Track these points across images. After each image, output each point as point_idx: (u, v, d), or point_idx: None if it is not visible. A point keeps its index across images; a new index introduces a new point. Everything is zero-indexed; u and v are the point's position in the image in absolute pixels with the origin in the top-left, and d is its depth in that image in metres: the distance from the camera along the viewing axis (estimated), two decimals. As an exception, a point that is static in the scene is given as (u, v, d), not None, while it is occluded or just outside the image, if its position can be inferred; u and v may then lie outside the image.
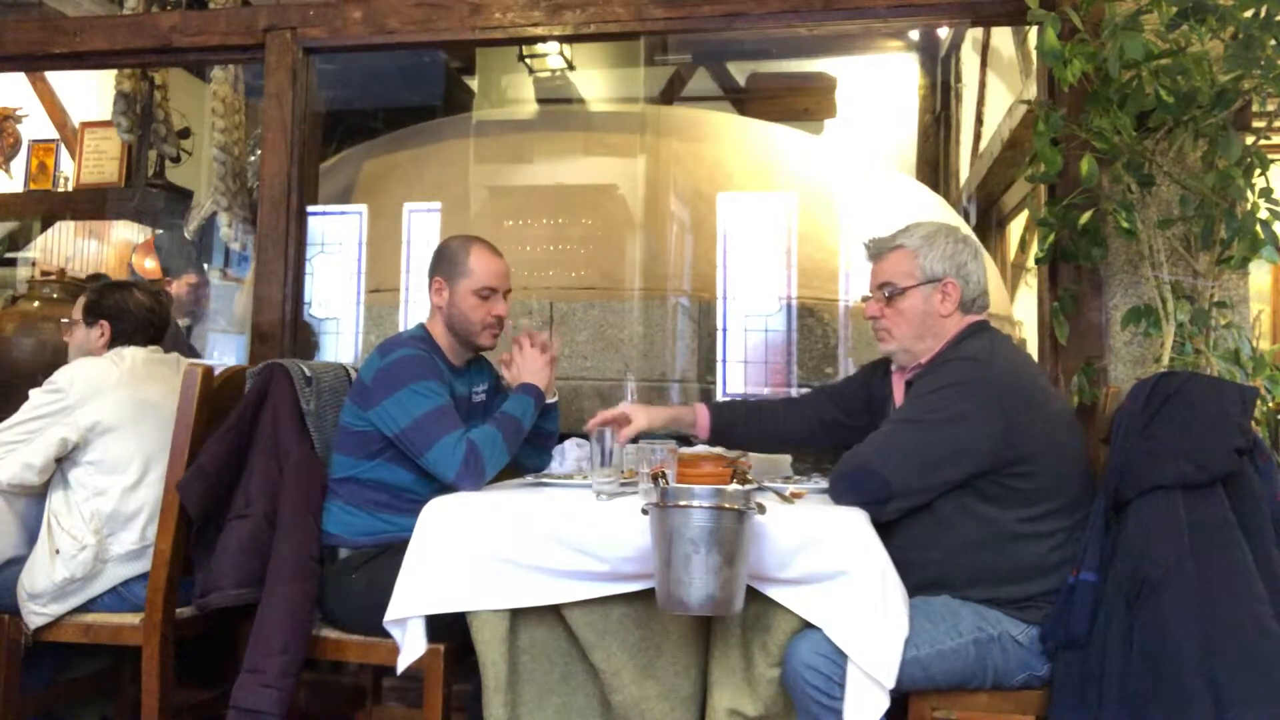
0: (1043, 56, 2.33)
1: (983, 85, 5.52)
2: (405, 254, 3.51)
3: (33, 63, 3.44)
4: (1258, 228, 2.17)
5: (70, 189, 5.21)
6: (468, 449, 2.04)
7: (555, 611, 1.83)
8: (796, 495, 1.99)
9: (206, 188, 3.92)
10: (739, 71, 6.24)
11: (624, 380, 2.43)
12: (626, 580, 1.78)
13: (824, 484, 2.05)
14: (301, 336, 3.06)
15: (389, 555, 2.04)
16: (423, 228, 3.52)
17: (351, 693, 2.76)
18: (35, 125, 5.56)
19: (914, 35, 5.96)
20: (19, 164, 5.48)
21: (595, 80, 5.18)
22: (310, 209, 3.15)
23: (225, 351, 4.01)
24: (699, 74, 6.23)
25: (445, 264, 2.31)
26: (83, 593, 2.26)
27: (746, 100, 6.01)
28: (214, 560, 2.16)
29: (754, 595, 1.71)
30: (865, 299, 2.14)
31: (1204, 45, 2.19)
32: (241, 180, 3.80)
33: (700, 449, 2.36)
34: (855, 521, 1.76)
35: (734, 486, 1.73)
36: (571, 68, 4.94)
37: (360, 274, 3.60)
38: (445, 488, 2.05)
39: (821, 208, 3.56)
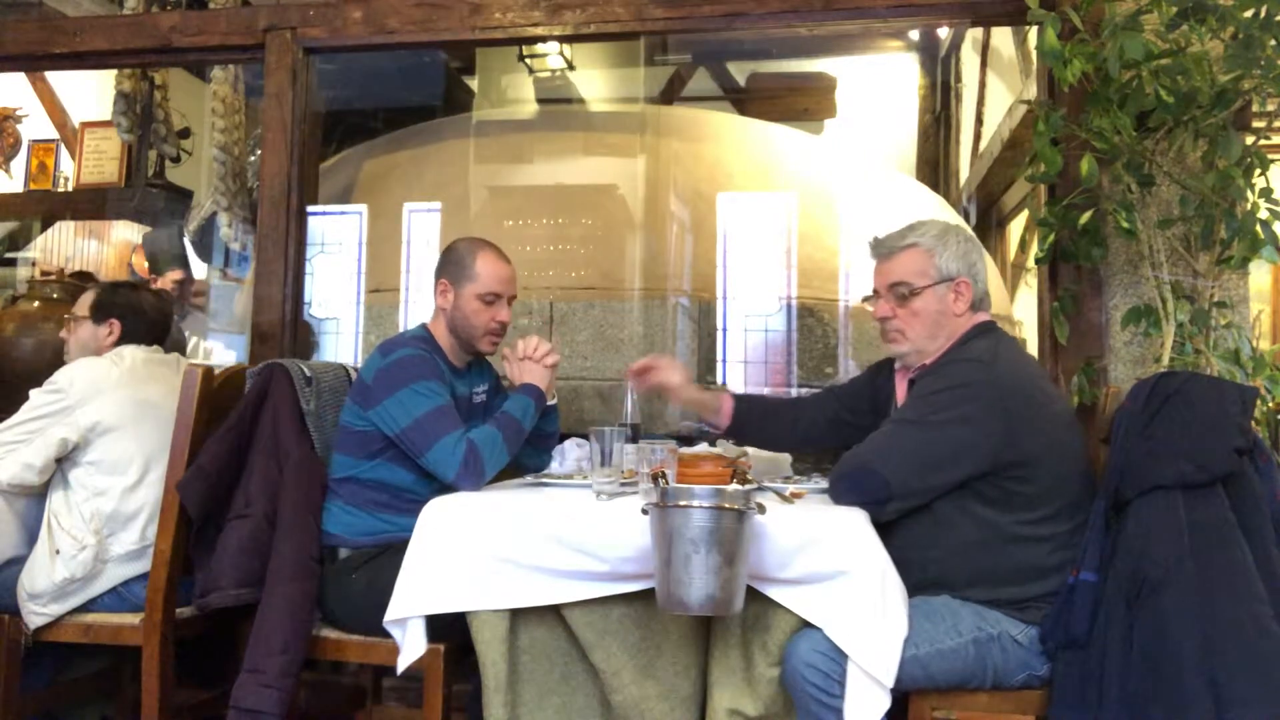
0: (1043, 56, 2.32)
1: (983, 85, 5.52)
2: (405, 254, 3.51)
3: (33, 63, 3.44)
4: (1258, 228, 2.17)
5: (70, 189, 5.20)
6: (468, 449, 2.04)
7: (555, 611, 1.83)
8: (796, 495, 1.99)
9: (206, 188, 3.92)
10: (739, 71, 6.24)
11: (624, 380, 2.44)
12: (626, 580, 1.78)
13: (824, 484, 2.05)
14: (301, 336, 3.06)
15: (389, 555, 2.03)
16: (423, 228, 3.52)
17: (351, 693, 2.76)
18: (35, 125, 5.56)
19: (914, 35, 5.96)
20: (19, 164, 5.48)
21: (595, 80, 5.18)
22: (310, 209, 3.15)
23: (217, 346, 3.99)
24: (699, 74, 6.24)
25: (452, 266, 2.31)
26: (83, 593, 2.26)
27: (746, 100, 6.01)
28: (214, 560, 2.16)
29: (754, 595, 1.71)
30: (868, 299, 2.11)
31: (1204, 45, 2.19)
32: (241, 180, 3.80)
33: (700, 449, 2.36)
34: (855, 521, 1.76)
35: (734, 486, 1.73)
36: (571, 68, 4.95)
37: (360, 274, 3.60)
38: (445, 488, 2.05)
39: (821, 208, 3.56)
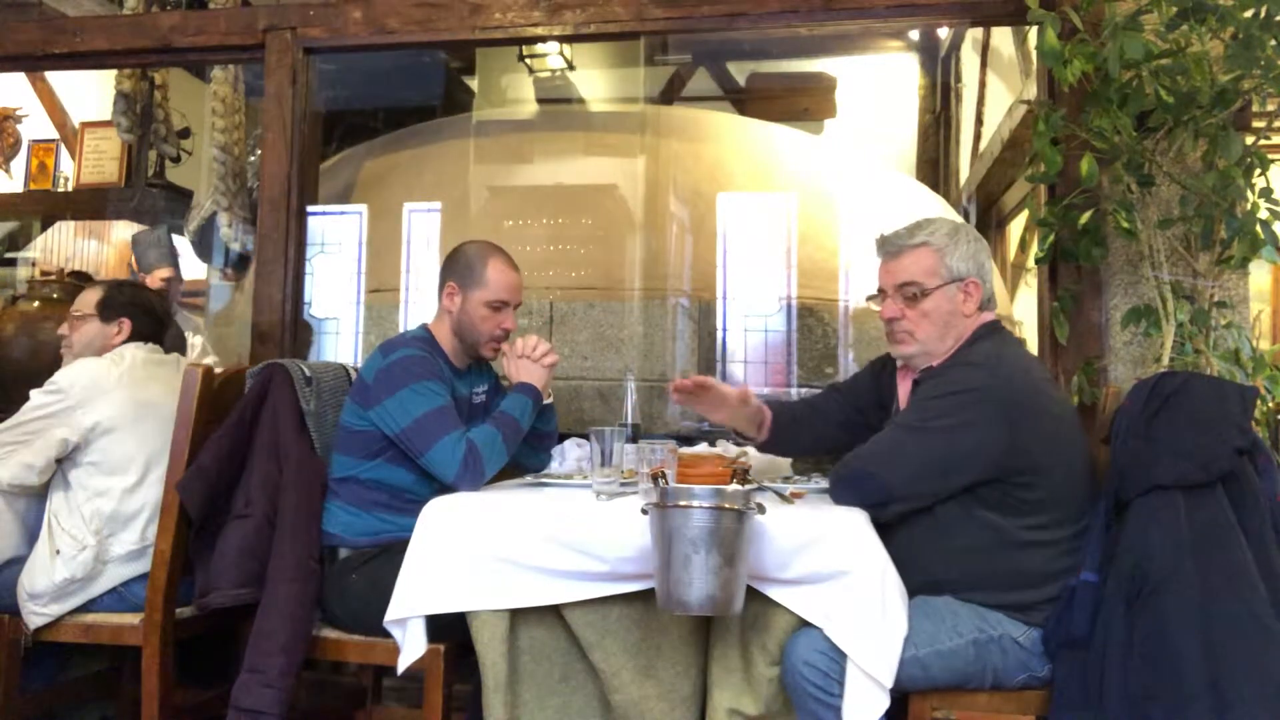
0: (1043, 56, 2.32)
1: (983, 85, 5.51)
2: (405, 254, 3.51)
3: (33, 63, 3.44)
4: (1258, 228, 2.17)
5: (70, 189, 5.20)
6: (468, 449, 2.04)
7: (555, 611, 1.83)
8: (796, 495, 1.99)
9: (206, 188, 3.91)
10: (739, 71, 6.23)
11: (624, 380, 2.43)
12: (626, 580, 1.78)
13: (824, 484, 2.05)
14: (301, 336, 3.06)
15: (389, 555, 2.03)
16: (423, 228, 3.52)
17: (351, 693, 2.76)
18: (35, 125, 5.56)
19: (914, 35, 5.96)
20: (19, 164, 5.48)
21: (595, 80, 5.18)
22: (310, 209, 3.16)
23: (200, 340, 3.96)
24: (699, 74, 6.23)
25: (461, 270, 2.30)
26: (83, 593, 2.26)
27: (746, 100, 6.01)
28: (214, 560, 2.16)
29: (754, 595, 1.71)
30: (872, 299, 2.08)
31: (1204, 45, 2.19)
32: (241, 180, 3.80)
33: (701, 449, 2.36)
34: (855, 521, 1.76)
35: (734, 486, 1.73)
36: (571, 68, 4.94)
37: (360, 274, 3.60)
38: (445, 488, 2.05)
39: (821, 208, 3.56)
